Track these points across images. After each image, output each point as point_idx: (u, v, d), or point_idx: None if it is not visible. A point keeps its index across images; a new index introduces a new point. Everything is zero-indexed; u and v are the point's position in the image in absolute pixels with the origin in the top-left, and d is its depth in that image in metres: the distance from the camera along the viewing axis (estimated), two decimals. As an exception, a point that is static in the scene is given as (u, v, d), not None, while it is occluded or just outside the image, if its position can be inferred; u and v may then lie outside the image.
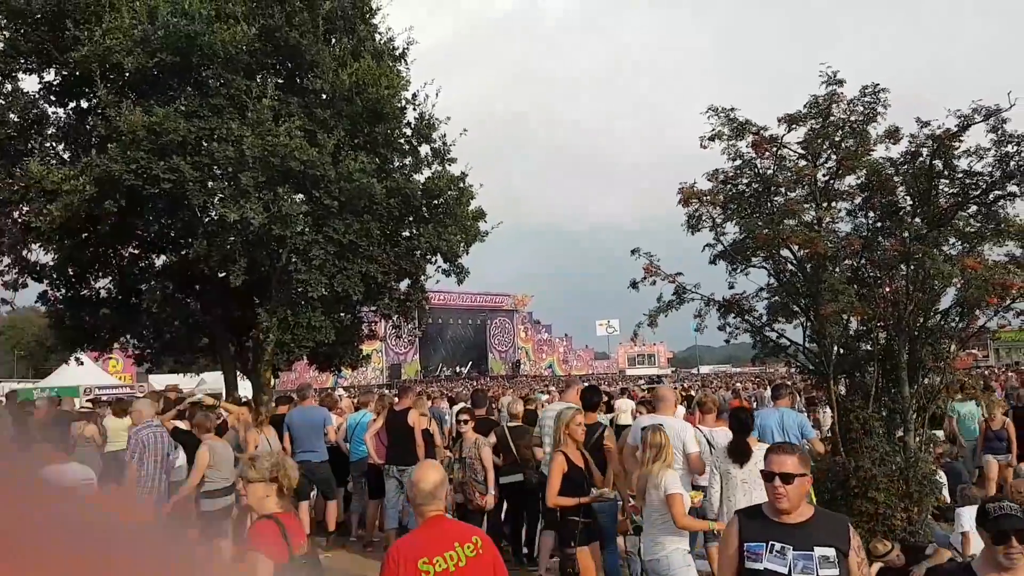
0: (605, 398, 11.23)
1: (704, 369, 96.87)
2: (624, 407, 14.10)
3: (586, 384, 8.72)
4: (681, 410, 12.59)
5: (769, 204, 10.06)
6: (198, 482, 7.70)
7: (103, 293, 14.60)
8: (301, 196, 12.26)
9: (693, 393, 21.25)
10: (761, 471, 3.50)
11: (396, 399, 9.82)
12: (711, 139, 9.45)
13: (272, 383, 14.14)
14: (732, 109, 9.26)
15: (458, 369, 75.72)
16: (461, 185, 13.73)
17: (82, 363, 22.90)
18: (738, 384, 29.90)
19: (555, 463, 6.10)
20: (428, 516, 3.36)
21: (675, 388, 16.92)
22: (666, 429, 5.72)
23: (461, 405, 15.16)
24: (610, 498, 6.52)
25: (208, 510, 7.75)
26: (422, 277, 14.83)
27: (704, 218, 10.96)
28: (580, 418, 6.32)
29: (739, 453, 5.83)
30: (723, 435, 7.10)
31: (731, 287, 12.77)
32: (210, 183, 11.59)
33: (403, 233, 14.12)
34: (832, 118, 8.75)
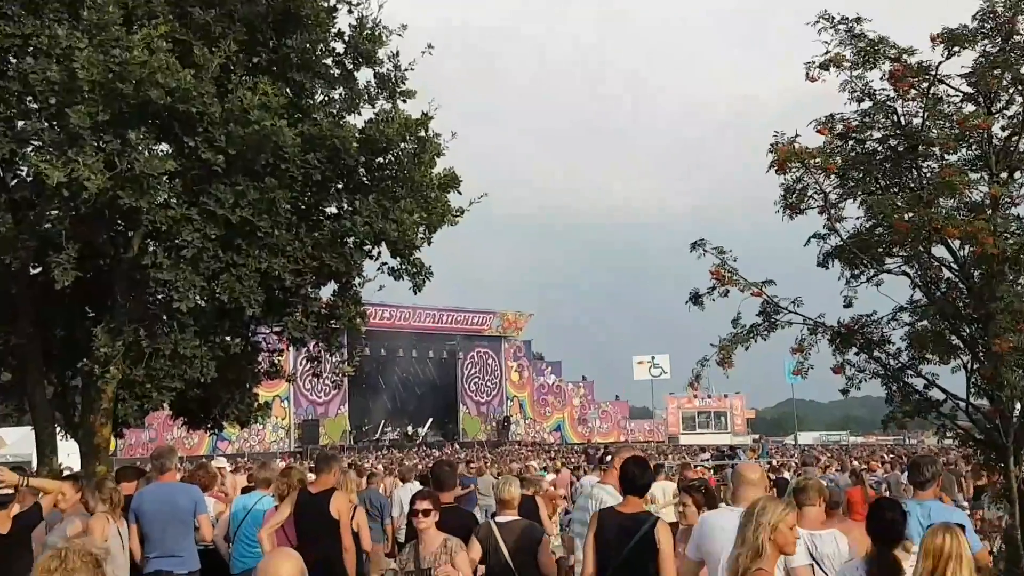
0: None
1: (806, 437, 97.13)
2: (661, 493, 14.11)
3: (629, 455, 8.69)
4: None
5: (915, 172, 10.13)
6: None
7: None
8: (166, 147, 12.16)
9: (787, 475, 21.27)
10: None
11: (311, 475, 9.74)
12: (824, 66, 9.53)
13: (113, 446, 14.07)
14: (858, 19, 9.33)
15: (412, 430, 75.59)
16: (422, 134, 13.73)
17: None
18: (856, 462, 29.91)
19: None
20: None
21: (759, 465, 16.93)
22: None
23: (414, 487, 15.15)
24: None
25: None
26: (356, 280, 14.82)
27: (811, 193, 11.00)
28: (792, 518, 5.92)
29: (885, 571, 5.84)
30: (830, 541, 7.15)
31: (849, 304, 12.78)
32: (20, 123, 11.50)
33: (328, 209, 14.03)
34: (1018, 37, 8.84)
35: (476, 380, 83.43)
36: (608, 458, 9.97)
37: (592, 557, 7.21)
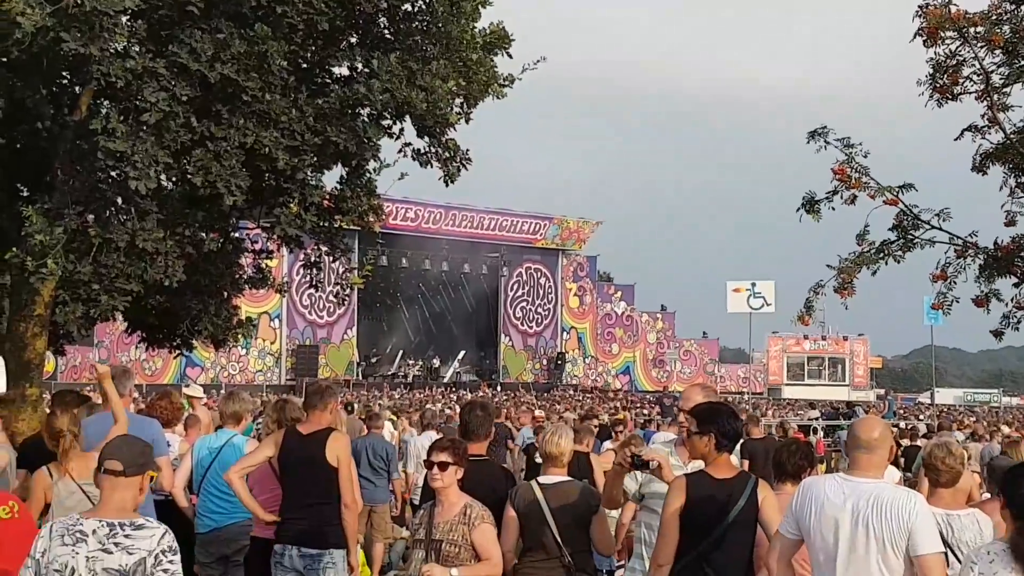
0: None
1: (946, 396, 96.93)
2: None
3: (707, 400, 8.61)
4: (894, 472, 12.53)
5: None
6: None
7: None
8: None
9: (919, 442, 21.09)
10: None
11: (303, 412, 9.83)
12: None
13: (51, 366, 14.15)
14: None
15: (437, 363, 76.13)
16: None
17: None
18: (1005, 427, 29.68)
19: None
20: None
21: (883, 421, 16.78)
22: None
23: (433, 436, 15.16)
24: None
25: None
26: (370, 164, 14.78)
27: (968, 73, 10.69)
28: None
29: None
30: (971, 525, 7.42)
31: (1012, 222, 12.45)
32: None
33: (336, 69, 14.02)
34: None
35: (523, 304, 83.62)
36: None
37: (676, 535, 7.16)
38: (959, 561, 7.04)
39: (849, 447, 7.08)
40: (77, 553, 5.75)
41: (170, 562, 5.87)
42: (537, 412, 28.48)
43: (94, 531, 5.83)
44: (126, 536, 5.84)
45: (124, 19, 11.49)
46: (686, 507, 7.10)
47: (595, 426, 20.15)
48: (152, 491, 9.97)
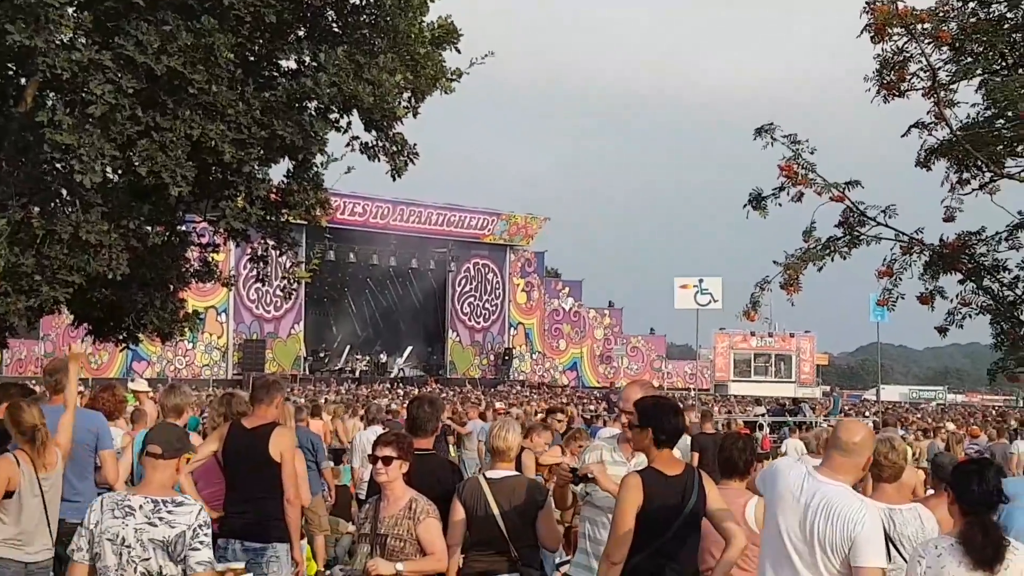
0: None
1: (891, 393, 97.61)
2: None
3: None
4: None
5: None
6: None
7: None
8: (72, -33, 12.02)
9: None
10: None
11: (248, 406, 9.82)
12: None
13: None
14: None
15: (384, 358, 76.01)
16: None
17: None
18: (951, 424, 30.01)
19: None
20: None
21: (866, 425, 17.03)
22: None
23: (379, 431, 15.14)
24: None
25: None
26: (317, 158, 14.77)
27: (915, 70, 10.80)
28: None
29: (981, 550, 5.92)
30: (913, 520, 7.47)
31: (951, 218, 12.59)
32: None
33: (283, 62, 14.01)
34: None
35: (471, 300, 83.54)
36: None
37: (630, 533, 7.19)
38: (901, 555, 7.14)
39: (828, 443, 7.16)
40: (127, 525, 6.41)
41: (205, 535, 6.51)
42: (498, 404, 28.79)
43: (140, 506, 6.48)
44: (168, 512, 6.47)
45: (70, 11, 11.45)
46: (643, 505, 7.11)
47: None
48: (98, 484, 9.95)
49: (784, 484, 6.70)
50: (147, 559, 6.39)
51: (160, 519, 6.47)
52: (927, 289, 11.97)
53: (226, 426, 9.49)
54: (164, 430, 7.17)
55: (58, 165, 12.26)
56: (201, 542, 6.47)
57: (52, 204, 12.84)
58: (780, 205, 11.56)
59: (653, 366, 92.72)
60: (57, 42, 11.49)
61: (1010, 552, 5.92)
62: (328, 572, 15.48)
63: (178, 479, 6.82)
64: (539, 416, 22.35)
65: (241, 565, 7.54)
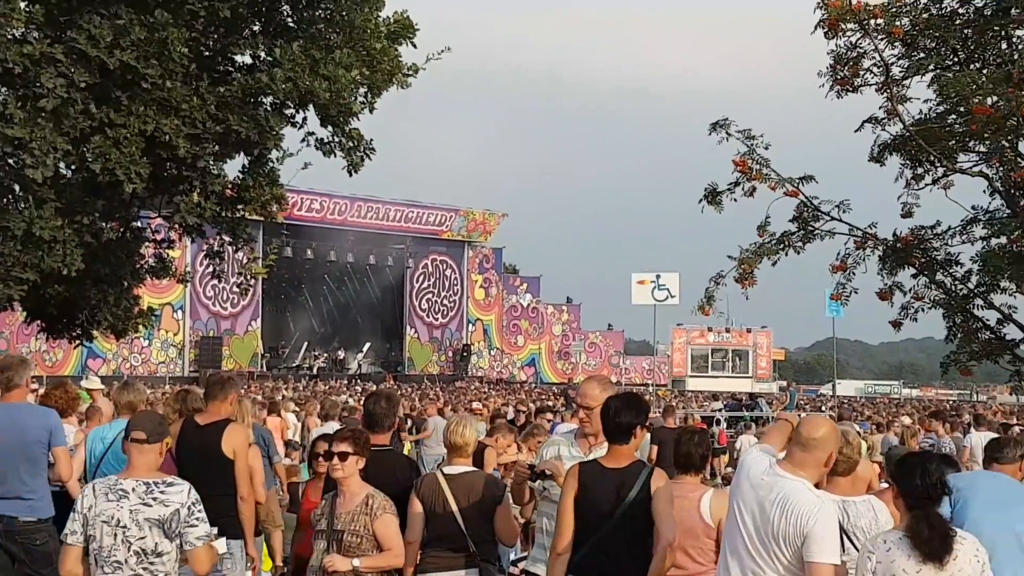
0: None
1: (847, 387, 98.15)
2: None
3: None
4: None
5: (1004, 44, 9.98)
6: None
7: None
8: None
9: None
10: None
11: (203, 403, 9.78)
12: None
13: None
14: None
15: (342, 354, 75.85)
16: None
17: None
18: (907, 418, 30.17)
19: None
20: None
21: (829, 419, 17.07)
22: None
23: (335, 427, 15.08)
24: None
25: None
26: (273, 154, 14.77)
27: (868, 65, 10.84)
28: None
29: (928, 543, 5.95)
30: (867, 511, 7.42)
31: (908, 213, 12.64)
32: None
33: (238, 57, 13.96)
34: None
35: (429, 296, 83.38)
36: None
37: (570, 524, 7.20)
38: (855, 546, 7.17)
39: (792, 439, 7.19)
40: (122, 507, 6.70)
41: (200, 511, 6.91)
42: (476, 404, 28.95)
43: (133, 489, 6.78)
44: (161, 492, 6.81)
45: (21, 4, 11.37)
46: (579, 495, 7.15)
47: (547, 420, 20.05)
48: (51, 482, 9.86)
49: (746, 477, 6.76)
50: (143, 537, 6.68)
51: (154, 499, 6.75)
52: (886, 285, 12.02)
53: (180, 423, 9.43)
54: (147, 417, 7.54)
55: (9, 160, 12.17)
56: (197, 518, 6.83)
57: (4, 200, 12.74)
58: (735, 200, 11.62)
59: (611, 362, 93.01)
60: (8, 36, 11.42)
61: (957, 543, 5.96)
62: (285, 568, 15.43)
63: (161, 461, 7.05)
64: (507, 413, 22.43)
65: (215, 530, 7.55)
